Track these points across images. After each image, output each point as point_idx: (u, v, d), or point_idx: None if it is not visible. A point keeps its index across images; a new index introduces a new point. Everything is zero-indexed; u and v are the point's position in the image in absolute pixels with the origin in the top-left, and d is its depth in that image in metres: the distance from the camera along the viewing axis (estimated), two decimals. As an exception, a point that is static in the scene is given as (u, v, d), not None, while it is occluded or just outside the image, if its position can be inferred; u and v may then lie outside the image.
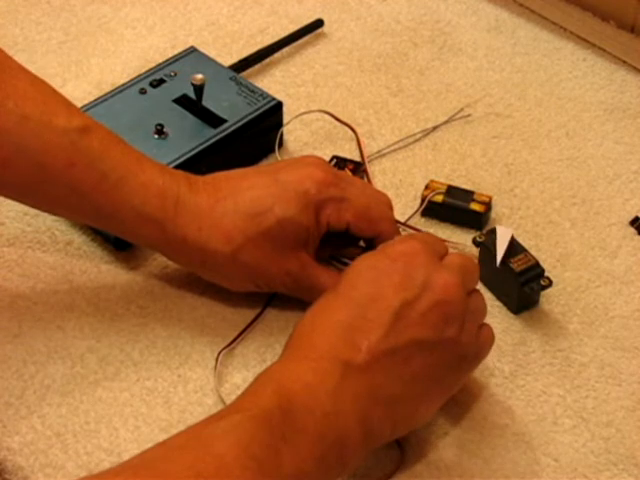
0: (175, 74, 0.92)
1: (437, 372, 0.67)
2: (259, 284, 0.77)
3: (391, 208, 0.79)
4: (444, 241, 0.83)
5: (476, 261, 0.71)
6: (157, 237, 0.75)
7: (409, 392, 0.66)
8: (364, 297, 0.66)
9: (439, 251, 0.70)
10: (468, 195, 0.85)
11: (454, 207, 0.85)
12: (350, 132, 0.92)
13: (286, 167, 0.77)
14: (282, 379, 0.64)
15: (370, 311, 0.66)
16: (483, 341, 0.70)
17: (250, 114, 0.89)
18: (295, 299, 0.78)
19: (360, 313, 0.66)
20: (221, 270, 0.76)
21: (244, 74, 0.96)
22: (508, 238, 0.78)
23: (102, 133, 0.74)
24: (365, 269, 0.68)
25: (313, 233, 0.76)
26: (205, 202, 0.75)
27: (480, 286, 0.80)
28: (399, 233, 0.78)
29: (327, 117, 0.93)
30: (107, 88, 0.93)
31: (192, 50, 0.95)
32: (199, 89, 0.87)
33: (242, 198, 0.75)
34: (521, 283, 0.77)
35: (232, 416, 0.61)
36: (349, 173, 0.87)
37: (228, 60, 0.97)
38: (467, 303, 0.68)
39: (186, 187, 0.75)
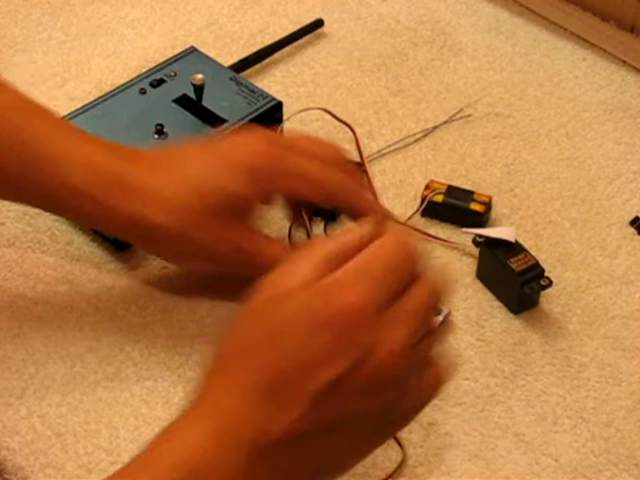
0: (175, 74, 0.92)
1: (362, 444, 0.60)
2: (206, 259, 0.75)
3: (344, 162, 0.77)
4: (445, 241, 0.84)
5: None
6: (101, 215, 0.73)
7: (322, 471, 0.59)
8: (291, 353, 0.57)
9: (407, 275, 0.59)
10: (468, 195, 0.85)
11: (454, 207, 0.85)
12: (350, 132, 0.92)
13: (231, 141, 0.76)
14: (184, 449, 0.57)
15: (294, 377, 0.56)
16: (426, 391, 0.62)
17: (250, 114, 0.88)
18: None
19: (282, 374, 0.57)
20: (167, 245, 0.75)
21: (244, 74, 0.96)
22: (506, 235, 0.78)
23: (47, 116, 0.74)
24: (305, 311, 0.57)
25: (259, 206, 0.74)
26: (149, 179, 0.73)
27: (480, 286, 0.81)
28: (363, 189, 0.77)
29: (327, 117, 0.92)
30: (107, 88, 0.93)
31: (192, 50, 0.95)
32: (199, 89, 0.87)
33: (185, 173, 0.74)
34: (521, 283, 0.77)
35: None
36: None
37: (228, 60, 0.97)
38: (416, 359, 0.59)
39: (130, 164, 0.74)
